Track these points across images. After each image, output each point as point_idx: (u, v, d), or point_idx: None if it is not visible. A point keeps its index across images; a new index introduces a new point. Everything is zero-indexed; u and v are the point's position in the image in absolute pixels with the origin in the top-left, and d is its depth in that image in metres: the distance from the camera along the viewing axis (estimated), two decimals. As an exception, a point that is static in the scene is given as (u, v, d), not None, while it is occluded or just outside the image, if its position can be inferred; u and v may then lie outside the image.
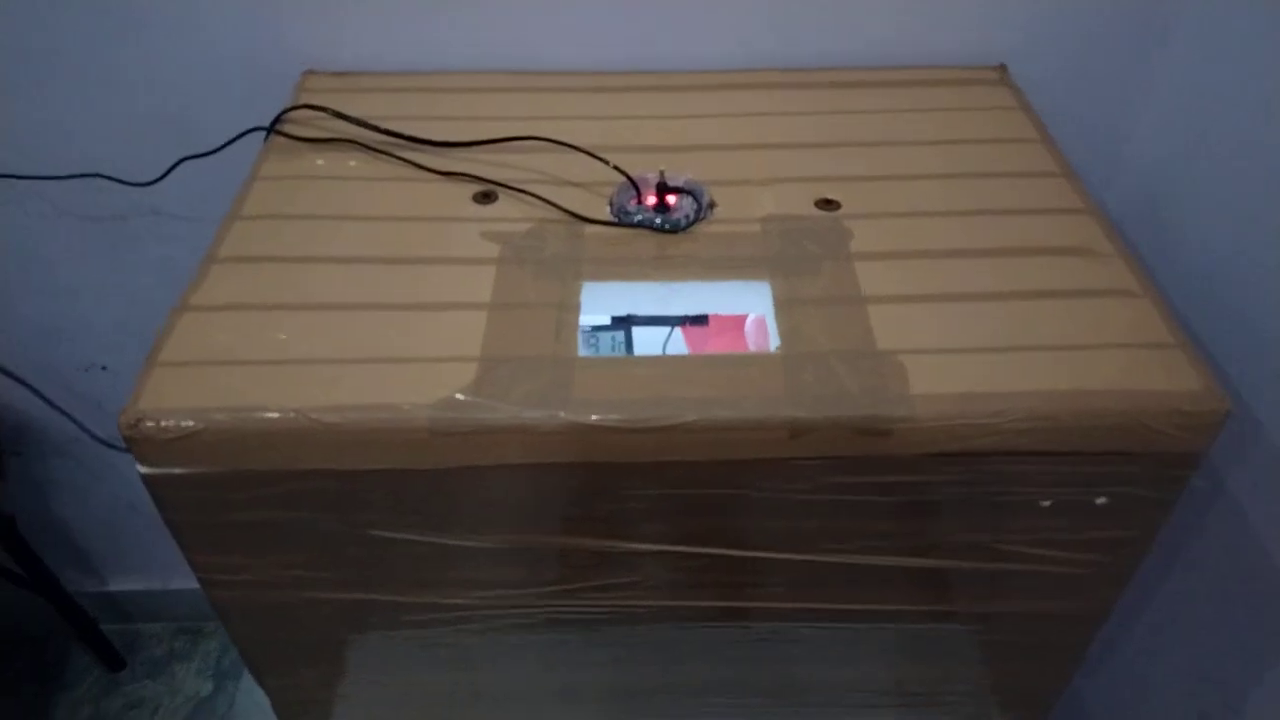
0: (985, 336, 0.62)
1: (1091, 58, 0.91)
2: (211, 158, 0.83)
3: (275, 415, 0.56)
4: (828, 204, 0.73)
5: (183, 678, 1.38)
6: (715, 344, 0.85)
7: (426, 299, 0.64)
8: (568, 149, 0.75)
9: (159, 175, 0.86)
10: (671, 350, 0.64)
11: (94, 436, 1.12)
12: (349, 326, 0.62)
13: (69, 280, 1.03)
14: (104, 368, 1.12)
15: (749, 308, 0.66)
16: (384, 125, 0.79)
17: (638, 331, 0.72)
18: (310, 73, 0.88)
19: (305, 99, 0.84)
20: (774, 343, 0.62)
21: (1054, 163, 0.77)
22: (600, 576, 0.66)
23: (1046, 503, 0.62)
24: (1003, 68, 0.89)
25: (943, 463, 0.59)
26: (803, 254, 0.68)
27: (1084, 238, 0.70)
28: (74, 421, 1.11)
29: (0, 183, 0.93)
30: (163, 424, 0.55)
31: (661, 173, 0.71)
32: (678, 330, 0.73)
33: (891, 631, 0.73)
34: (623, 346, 0.71)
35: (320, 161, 0.77)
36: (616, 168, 0.73)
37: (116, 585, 1.38)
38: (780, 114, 0.83)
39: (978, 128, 0.81)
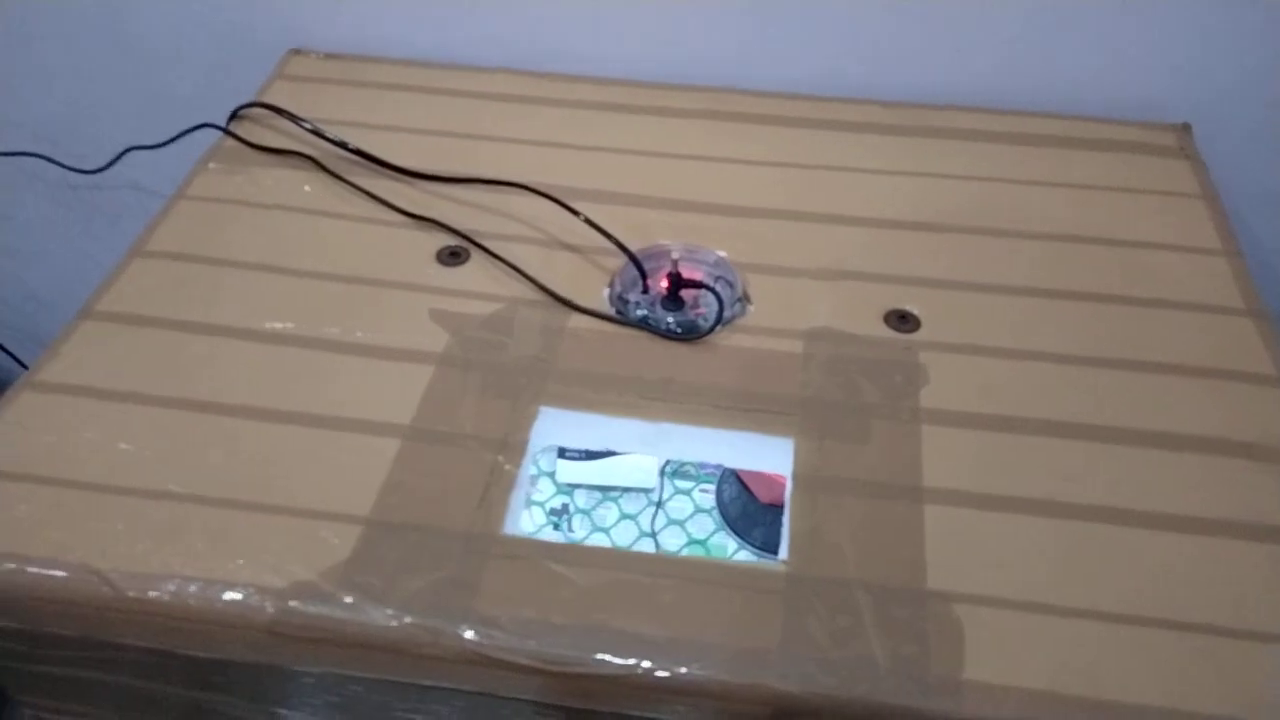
0: (1102, 593, 0.41)
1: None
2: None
3: (68, 574, 0.41)
4: (903, 320, 0.53)
5: None
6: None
7: (328, 410, 0.48)
8: (566, 209, 0.57)
9: (106, 163, 0.72)
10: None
11: None
12: (215, 441, 0.46)
13: None
14: None
15: (762, 468, 0.47)
16: (357, 134, 0.62)
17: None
18: (296, 52, 0.72)
19: (278, 90, 0.68)
20: (780, 545, 0.44)
21: (1240, 294, 0.55)
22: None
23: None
24: (1186, 128, 0.66)
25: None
26: (851, 400, 0.49)
27: None
28: None
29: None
30: (-70, 567, 0.42)
31: (675, 262, 0.53)
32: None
33: None
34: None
35: (269, 182, 0.61)
36: (621, 246, 0.54)
37: None
38: (856, 170, 0.62)
39: (1138, 221, 0.59)
